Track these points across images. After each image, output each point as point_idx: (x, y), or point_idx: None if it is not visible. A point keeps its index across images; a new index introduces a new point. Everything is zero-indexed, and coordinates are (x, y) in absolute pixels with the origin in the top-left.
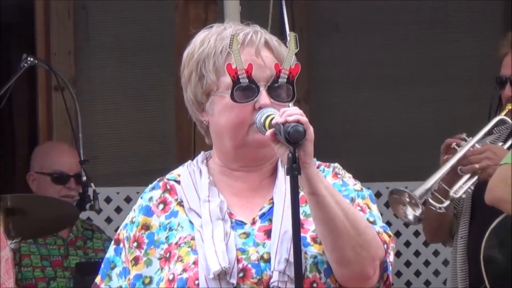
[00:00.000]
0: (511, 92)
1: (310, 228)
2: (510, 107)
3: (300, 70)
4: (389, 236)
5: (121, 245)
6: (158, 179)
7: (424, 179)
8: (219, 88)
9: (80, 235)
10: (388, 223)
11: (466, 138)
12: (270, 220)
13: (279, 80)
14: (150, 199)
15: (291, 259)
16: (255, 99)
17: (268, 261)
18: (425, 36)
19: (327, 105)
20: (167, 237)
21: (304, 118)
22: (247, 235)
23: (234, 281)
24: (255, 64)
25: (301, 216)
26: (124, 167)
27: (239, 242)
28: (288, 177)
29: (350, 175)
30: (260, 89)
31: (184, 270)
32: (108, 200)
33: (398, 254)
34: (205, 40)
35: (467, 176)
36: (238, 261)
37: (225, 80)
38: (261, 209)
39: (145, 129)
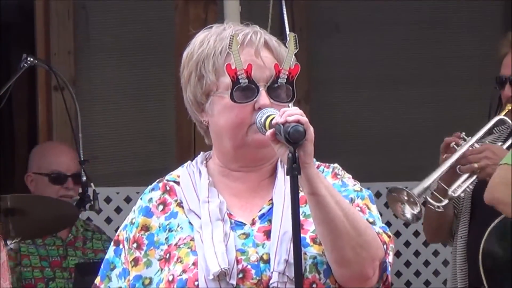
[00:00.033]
0: (511, 92)
1: (309, 228)
2: (510, 107)
3: (300, 70)
4: (389, 236)
5: (121, 246)
6: (157, 180)
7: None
8: (218, 88)
9: (80, 236)
10: (388, 223)
11: (465, 137)
12: (270, 221)
13: (279, 80)
14: (150, 200)
15: (291, 260)
16: (255, 99)
17: (267, 262)
18: (425, 36)
19: (327, 105)
20: (166, 238)
21: (304, 118)
22: (247, 235)
23: (233, 282)
24: (254, 64)
25: (301, 217)
26: (124, 167)
27: (239, 243)
28: (287, 178)
29: (350, 176)
30: (260, 90)
31: (184, 271)
32: (108, 200)
33: (398, 254)
34: (205, 41)
35: (466, 175)
36: (238, 262)
37: (224, 81)
38: (260, 210)
39: (145, 129)
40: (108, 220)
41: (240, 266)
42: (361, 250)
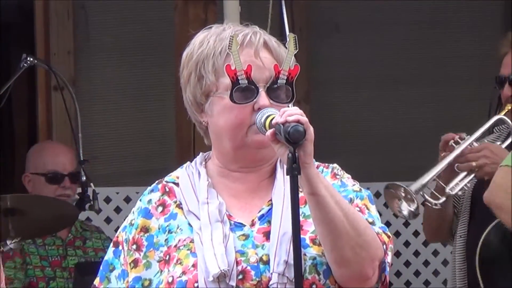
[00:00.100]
0: (510, 91)
1: (309, 229)
2: (510, 107)
3: (300, 70)
4: (388, 236)
5: (120, 247)
6: (156, 182)
7: None
8: (218, 89)
9: (79, 236)
10: (388, 223)
11: (465, 136)
12: (269, 222)
13: (278, 81)
14: (149, 201)
15: (290, 261)
16: (254, 100)
17: (267, 263)
18: (425, 36)
19: (327, 105)
20: (166, 239)
21: (304, 118)
22: (246, 237)
23: (233, 283)
24: (254, 65)
25: (300, 218)
26: (124, 167)
27: (238, 244)
28: (287, 178)
29: (349, 176)
30: (259, 90)
31: (184, 272)
32: (107, 200)
33: (397, 254)
34: (204, 41)
35: (464, 173)
36: (237, 263)
37: (224, 81)
38: (260, 211)
39: (145, 129)
40: (108, 220)
41: (239, 268)
42: (361, 250)
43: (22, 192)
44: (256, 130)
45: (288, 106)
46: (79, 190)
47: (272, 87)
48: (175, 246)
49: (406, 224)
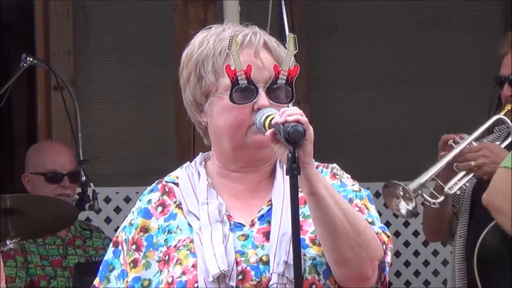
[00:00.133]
0: (510, 91)
1: (309, 229)
2: (510, 107)
3: (300, 70)
4: (388, 236)
5: (120, 247)
6: (156, 182)
7: None
8: (218, 89)
9: (79, 235)
10: (388, 223)
11: (464, 137)
12: (269, 222)
13: (278, 81)
14: (149, 201)
15: (290, 261)
16: (254, 100)
17: (267, 263)
18: (425, 36)
19: (327, 105)
20: (166, 239)
21: (304, 118)
22: (246, 237)
23: (233, 283)
24: (254, 65)
25: (300, 218)
26: (123, 167)
27: (238, 245)
28: (286, 178)
29: (349, 176)
30: (259, 90)
31: (183, 273)
32: (107, 200)
33: (397, 254)
34: (204, 41)
35: (463, 173)
36: (237, 263)
37: (224, 81)
38: (259, 211)
39: (145, 129)
40: (108, 220)
41: (239, 268)
42: (360, 250)
43: (22, 192)
44: (255, 130)
45: (288, 106)
46: (79, 190)
47: (271, 87)
48: (175, 246)
49: (406, 224)
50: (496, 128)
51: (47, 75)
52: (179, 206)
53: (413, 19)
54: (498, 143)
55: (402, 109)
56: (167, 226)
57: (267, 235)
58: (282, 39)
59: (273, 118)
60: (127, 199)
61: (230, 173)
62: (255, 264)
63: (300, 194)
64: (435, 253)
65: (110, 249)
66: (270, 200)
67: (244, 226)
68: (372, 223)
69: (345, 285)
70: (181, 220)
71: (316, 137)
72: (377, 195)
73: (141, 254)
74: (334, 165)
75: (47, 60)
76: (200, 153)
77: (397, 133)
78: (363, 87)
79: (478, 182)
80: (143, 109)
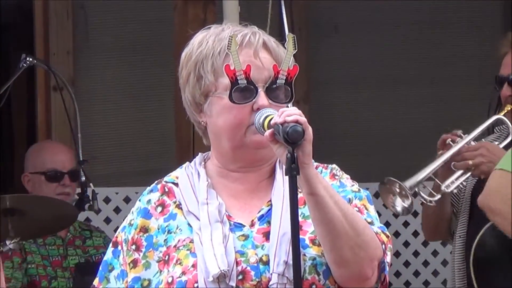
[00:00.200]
0: (510, 91)
1: (308, 230)
2: (510, 108)
3: (299, 70)
4: (387, 236)
5: (119, 247)
6: (156, 182)
7: None
8: (217, 89)
9: (78, 235)
10: (387, 223)
11: (462, 134)
12: (269, 222)
13: (277, 81)
14: (148, 201)
15: (290, 261)
16: (253, 100)
17: (267, 263)
18: (425, 36)
19: (327, 106)
20: (165, 239)
21: (302, 118)
22: (246, 237)
23: (233, 283)
24: (253, 65)
25: (300, 218)
26: (123, 167)
27: (238, 245)
28: (286, 179)
29: (348, 176)
30: (258, 90)
31: (183, 273)
32: (107, 200)
33: (397, 254)
34: (203, 41)
35: (460, 172)
36: (237, 263)
37: (223, 81)
38: (259, 211)
39: (145, 129)
40: (107, 220)
41: (239, 268)
42: (360, 250)
43: (22, 192)
44: (254, 130)
45: (287, 106)
46: (79, 190)
47: (271, 87)
48: (175, 246)
49: (406, 224)
50: (496, 128)
51: (46, 75)
52: (178, 206)
53: (413, 19)
54: (497, 143)
55: (402, 109)
56: (167, 226)
57: (267, 235)
58: (281, 39)
59: (272, 118)
60: (127, 199)
61: (229, 173)
62: (255, 264)
63: (300, 195)
64: (434, 253)
65: (110, 249)
66: (270, 201)
67: (244, 226)
68: (371, 223)
69: (345, 285)
70: (181, 220)
71: (315, 137)
72: (376, 195)
73: (141, 254)
74: (334, 165)
75: (47, 60)
76: (200, 153)
77: (397, 133)
78: (363, 87)
79: (478, 182)
80: (143, 109)
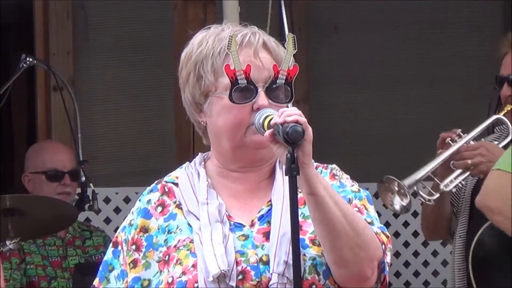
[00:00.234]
0: (510, 91)
1: (308, 230)
2: (510, 108)
3: (299, 70)
4: (387, 236)
5: (119, 247)
6: (156, 182)
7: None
8: (217, 89)
9: (78, 235)
10: (387, 224)
11: (462, 134)
12: (269, 222)
13: (277, 81)
14: (148, 201)
15: (290, 261)
16: (253, 100)
17: (267, 263)
18: (425, 36)
19: (327, 106)
20: (165, 240)
21: (302, 119)
22: (246, 237)
23: (233, 283)
24: (253, 65)
25: (300, 218)
26: (123, 167)
27: (238, 245)
28: (286, 179)
29: (348, 176)
30: (258, 90)
31: (183, 273)
32: (107, 200)
33: (397, 254)
34: (203, 41)
35: (459, 171)
36: (237, 263)
37: (223, 81)
38: (259, 211)
39: (145, 129)
40: (107, 221)
41: (239, 268)
42: (359, 250)
43: (22, 192)
44: (254, 130)
45: (287, 106)
46: (79, 190)
47: (271, 87)
48: (175, 246)
49: (406, 224)
50: (496, 128)
51: (46, 75)
52: (178, 206)
53: (413, 19)
54: (496, 143)
55: (402, 109)
56: (167, 226)
57: (267, 235)
58: (281, 39)
59: (272, 118)
60: (127, 200)
61: (229, 173)
62: (255, 264)
63: (300, 195)
64: (434, 253)
65: (110, 249)
66: (270, 201)
67: (244, 226)
68: (371, 223)
69: (344, 285)
70: (181, 220)
71: (315, 137)
72: (376, 195)
73: (141, 254)
74: (334, 165)
75: (47, 60)
76: (200, 153)
77: (397, 133)
78: (363, 87)
79: (478, 182)
80: (143, 109)
